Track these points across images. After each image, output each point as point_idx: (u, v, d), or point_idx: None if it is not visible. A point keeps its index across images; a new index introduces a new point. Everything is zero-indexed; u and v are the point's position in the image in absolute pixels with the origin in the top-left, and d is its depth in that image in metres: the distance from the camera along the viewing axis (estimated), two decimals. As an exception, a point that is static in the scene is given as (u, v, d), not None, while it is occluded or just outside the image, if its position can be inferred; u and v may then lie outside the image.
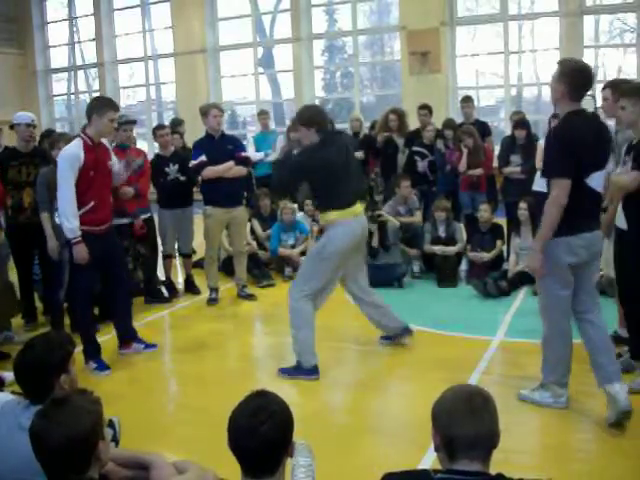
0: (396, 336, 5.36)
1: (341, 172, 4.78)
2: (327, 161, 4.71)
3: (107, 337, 5.71)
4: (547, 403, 4.08)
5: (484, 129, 8.55)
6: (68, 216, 4.83)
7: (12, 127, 6.07)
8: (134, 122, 6.92)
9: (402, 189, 7.79)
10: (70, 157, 4.85)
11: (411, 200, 7.94)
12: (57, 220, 5.51)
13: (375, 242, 7.31)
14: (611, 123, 5.16)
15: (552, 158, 3.76)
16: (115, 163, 5.35)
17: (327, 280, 4.90)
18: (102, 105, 5.04)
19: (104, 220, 5.15)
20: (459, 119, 9.17)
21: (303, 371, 4.88)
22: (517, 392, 4.21)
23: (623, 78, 5.09)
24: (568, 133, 3.72)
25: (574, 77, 3.74)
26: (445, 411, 2.00)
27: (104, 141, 5.24)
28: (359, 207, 4.95)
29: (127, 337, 5.52)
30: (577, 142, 3.68)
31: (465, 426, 1.93)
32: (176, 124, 8.96)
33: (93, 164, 4.94)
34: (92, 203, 4.98)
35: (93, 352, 5.19)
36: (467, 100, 8.69)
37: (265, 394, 2.12)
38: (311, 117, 4.81)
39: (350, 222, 4.80)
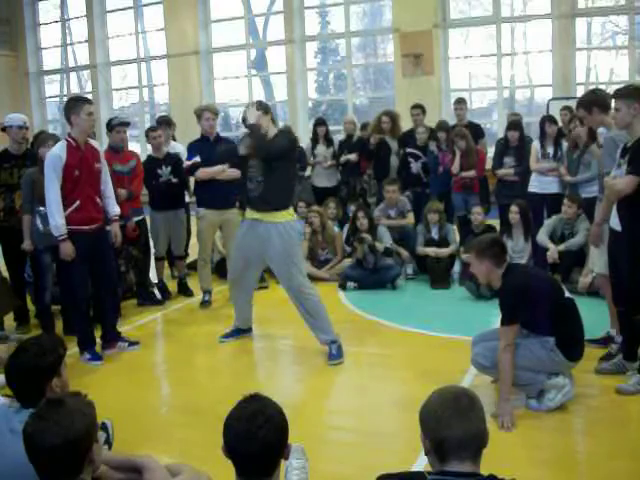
0: (240, 331, 5.75)
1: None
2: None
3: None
4: (560, 401, 4.04)
5: (477, 131, 8.57)
6: (54, 214, 5.00)
7: (4, 129, 6.06)
8: (128, 124, 6.92)
9: (389, 193, 7.82)
10: (52, 158, 5.03)
11: (401, 203, 7.95)
12: (39, 224, 5.60)
13: (367, 263, 7.27)
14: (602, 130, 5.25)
15: None
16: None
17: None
18: (76, 103, 5.16)
19: (92, 219, 5.24)
20: (452, 121, 9.19)
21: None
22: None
23: (587, 92, 5.24)
24: None
25: None
26: (433, 414, 2.01)
27: (93, 143, 5.37)
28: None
29: (111, 337, 5.60)
30: None
31: (454, 427, 1.94)
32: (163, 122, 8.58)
33: (77, 164, 5.09)
34: (78, 202, 5.12)
35: (88, 344, 5.38)
36: (460, 102, 8.70)
37: (260, 398, 2.13)
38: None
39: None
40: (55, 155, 5.03)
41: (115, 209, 5.56)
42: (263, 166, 5.09)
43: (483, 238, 4.42)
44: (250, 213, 5.25)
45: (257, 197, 5.14)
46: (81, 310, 5.38)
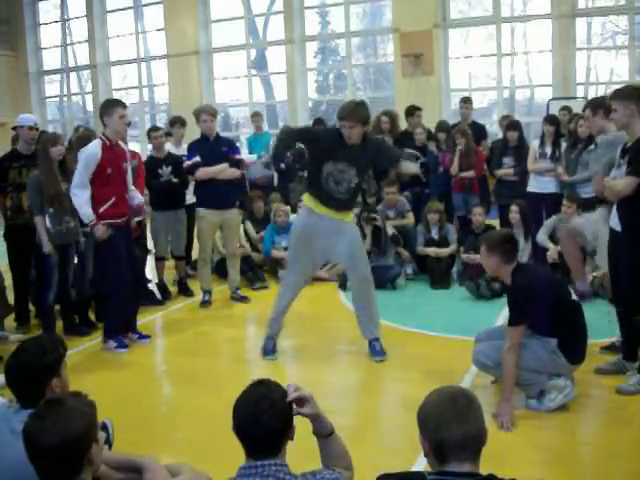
0: None
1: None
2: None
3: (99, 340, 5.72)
4: (560, 402, 4.05)
5: (480, 132, 8.56)
6: (81, 204, 5.33)
7: (14, 129, 6.15)
8: (128, 124, 6.92)
9: (387, 195, 7.82)
10: (88, 154, 5.33)
11: (400, 203, 7.95)
12: (48, 223, 5.59)
13: (367, 245, 7.31)
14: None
15: None
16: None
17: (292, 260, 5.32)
18: (109, 105, 5.52)
19: (123, 214, 5.60)
20: (452, 121, 9.18)
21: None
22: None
23: (599, 97, 5.29)
24: None
25: None
26: (431, 416, 2.00)
27: (121, 143, 5.64)
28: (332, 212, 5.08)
29: (126, 327, 5.76)
30: None
31: (452, 428, 1.93)
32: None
33: (110, 163, 5.39)
34: (113, 199, 5.43)
35: (115, 332, 5.62)
36: (466, 101, 8.69)
37: (267, 383, 2.25)
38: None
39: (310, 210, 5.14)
40: (93, 153, 5.32)
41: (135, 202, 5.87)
42: (358, 174, 5.02)
43: (495, 232, 4.39)
44: (326, 211, 5.07)
45: (345, 200, 5.07)
46: (118, 297, 5.51)
